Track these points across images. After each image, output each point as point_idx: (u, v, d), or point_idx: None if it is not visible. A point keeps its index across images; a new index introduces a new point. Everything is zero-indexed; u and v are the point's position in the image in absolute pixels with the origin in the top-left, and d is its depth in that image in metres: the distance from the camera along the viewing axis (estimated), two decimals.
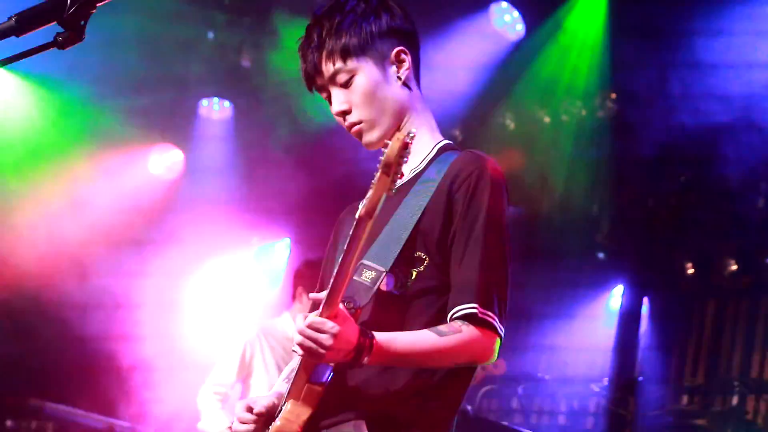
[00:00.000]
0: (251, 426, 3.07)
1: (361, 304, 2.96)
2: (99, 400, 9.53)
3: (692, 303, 10.11)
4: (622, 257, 9.99)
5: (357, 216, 2.85)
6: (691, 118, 8.67)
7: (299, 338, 2.85)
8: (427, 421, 3.03)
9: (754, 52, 8.07)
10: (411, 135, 2.83)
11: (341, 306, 2.88)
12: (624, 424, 9.57)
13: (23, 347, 9.31)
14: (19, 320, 9.26)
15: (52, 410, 8.88)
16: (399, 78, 3.24)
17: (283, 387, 3.23)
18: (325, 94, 3.28)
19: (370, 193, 2.84)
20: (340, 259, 2.88)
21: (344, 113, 3.23)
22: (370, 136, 3.24)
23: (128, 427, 8.88)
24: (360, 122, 3.23)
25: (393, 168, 2.82)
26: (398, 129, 3.23)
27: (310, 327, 2.84)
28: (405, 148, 2.82)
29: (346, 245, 2.86)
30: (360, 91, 3.20)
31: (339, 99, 3.22)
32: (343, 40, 3.18)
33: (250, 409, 3.09)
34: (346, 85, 3.21)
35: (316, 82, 3.26)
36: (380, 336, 2.91)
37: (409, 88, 3.27)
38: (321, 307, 2.88)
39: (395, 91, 3.24)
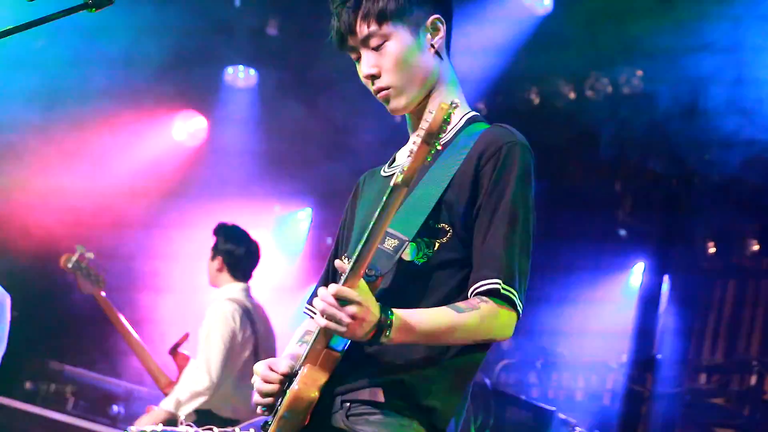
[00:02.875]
0: (276, 386, 3.07)
1: (382, 272, 2.95)
2: (119, 364, 9.57)
3: (713, 282, 10.08)
4: (643, 235, 9.97)
5: (393, 183, 2.83)
6: (714, 97, 8.64)
7: (322, 305, 2.85)
8: (440, 391, 3.04)
9: None
10: (454, 105, 2.82)
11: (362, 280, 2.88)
12: (641, 401, 9.57)
13: (43, 311, 9.34)
14: (39, 284, 9.28)
15: (71, 373, 8.92)
16: (432, 46, 3.24)
17: (297, 349, 3.25)
18: (354, 55, 3.27)
19: (408, 161, 2.82)
20: (369, 226, 2.86)
21: (373, 77, 3.22)
22: (397, 103, 3.23)
23: (146, 391, 8.92)
24: (388, 88, 3.22)
25: (435, 138, 2.81)
26: (427, 98, 3.24)
27: (335, 295, 2.84)
28: (448, 118, 2.81)
29: (377, 212, 2.85)
30: (392, 56, 3.19)
31: (369, 62, 3.22)
32: (380, 4, 3.17)
33: (272, 369, 3.09)
34: (378, 48, 3.20)
35: (347, 42, 3.25)
36: (399, 313, 2.90)
37: (441, 58, 3.26)
38: (345, 276, 2.87)
39: (427, 60, 3.23)
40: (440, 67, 3.26)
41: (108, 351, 9.59)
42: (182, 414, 6.68)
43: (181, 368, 7.21)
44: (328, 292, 2.84)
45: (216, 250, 7.37)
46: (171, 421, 6.58)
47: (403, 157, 2.88)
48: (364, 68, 3.23)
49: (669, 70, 8.79)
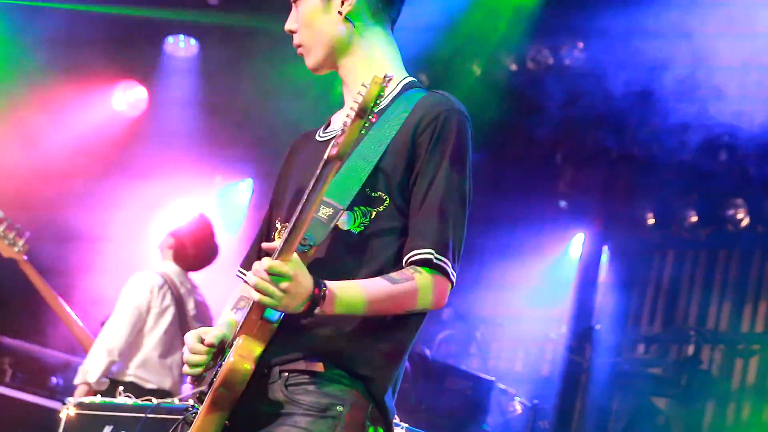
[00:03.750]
0: (203, 357, 3.07)
1: (317, 242, 2.95)
2: (57, 335, 9.50)
3: (651, 253, 10.16)
4: (583, 206, 10.02)
5: (327, 156, 2.83)
6: (654, 69, 8.69)
7: (254, 280, 2.84)
8: (377, 360, 3.04)
9: None
10: (388, 78, 2.82)
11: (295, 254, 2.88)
12: (580, 371, 9.64)
13: None
14: None
15: (9, 345, 8.84)
16: (340, 13, 3.24)
17: (231, 316, 3.24)
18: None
19: (343, 136, 2.82)
20: (304, 197, 2.86)
21: (291, 32, 3.32)
22: (308, 61, 3.31)
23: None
24: (300, 45, 3.31)
25: (369, 112, 2.81)
26: (348, 58, 3.26)
27: (267, 270, 2.83)
28: (381, 92, 2.81)
29: (311, 183, 2.85)
30: (302, 15, 3.27)
31: (291, 17, 3.31)
32: None
33: (201, 340, 3.08)
34: (296, 5, 3.30)
35: None
36: (333, 285, 2.91)
37: (353, 24, 3.26)
38: (278, 250, 2.87)
39: (331, 24, 3.25)
40: (350, 33, 3.25)
41: (44, 322, 9.51)
42: (92, 380, 6.65)
43: None
44: (260, 267, 2.84)
45: (176, 235, 7.35)
46: (109, 391, 6.55)
47: (339, 123, 2.85)
48: (287, 23, 3.33)
49: (610, 43, 8.82)
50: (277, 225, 3.25)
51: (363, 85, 2.82)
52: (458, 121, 3.09)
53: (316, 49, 3.26)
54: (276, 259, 2.85)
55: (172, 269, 7.23)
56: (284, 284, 2.82)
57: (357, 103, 2.81)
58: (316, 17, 3.24)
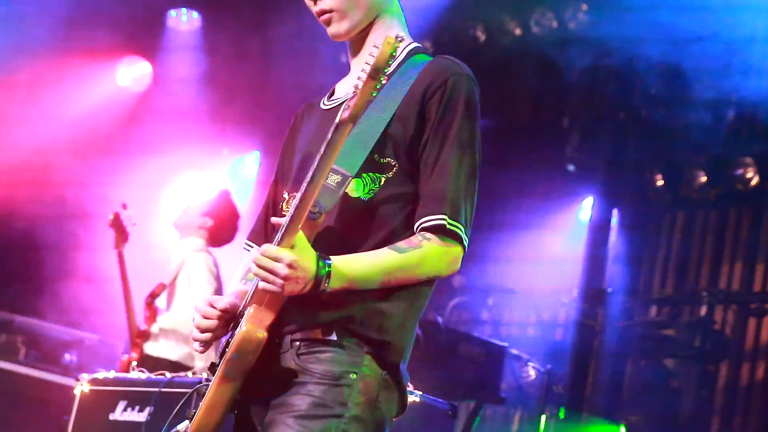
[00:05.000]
0: (214, 322, 3.06)
1: (325, 209, 2.92)
2: (70, 312, 9.52)
3: (661, 215, 10.13)
4: (592, 169, 9.99)
5: (339, 119, 2.80)
6: (659, 30, 8.65)
7: (255, 268, 2.84)
8: (390, 327, 3.02)
9: None
10: (399, 39, 2.78)
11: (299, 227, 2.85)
12: (593, 335, 9.64)
13: None
14: None
15: (22, 323, 8.87)
16: None
17: (240, 287, 3.23)
18: None
19: (354, 96, 2.78)
20: (315, 164, 2.83)
21: None
22: (338, 27, 3.19)
23: (97, 339, 8.89)
24: (331, 11, 3.17)
25: (381, 72, 2.77)
26: (369, 26, 3.20)
27: (267, 256, 2.83)
28: (394, 52, 2.77)
29: (322, 149, 2.82)
30: None
31: None
32: None
33: (212, 306, 3.07)
34: None
35: None
36: (338, 261, 2.89)
37: None
38: (284, 226, 2.85)
39: None
40: None
41: (58, 300, 9.53)
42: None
43: (150, 319, 7.18)
44: (260, 253, 2.83)
45: (214, 215, 7.35)
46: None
47: (344, 90, 2.81)
48: None
49: (615, 6, 8.79)
50: (284, 196, 3.21)
51: (375, 46, 2.78)
52: (467, 86, 3.06)
53: (353, 14, 3.16)
54: (281, 236, 2.84)
55: (206, 248, 7.28)
56: (284, 271, 2.80)
57: (369, 64, 2.77)
58: None
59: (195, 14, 10.27)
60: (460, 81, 3.06)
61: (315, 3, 3.18)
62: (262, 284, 2.86)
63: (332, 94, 3.32)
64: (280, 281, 2.81)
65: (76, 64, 9.76)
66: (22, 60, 9.18)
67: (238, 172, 11.12)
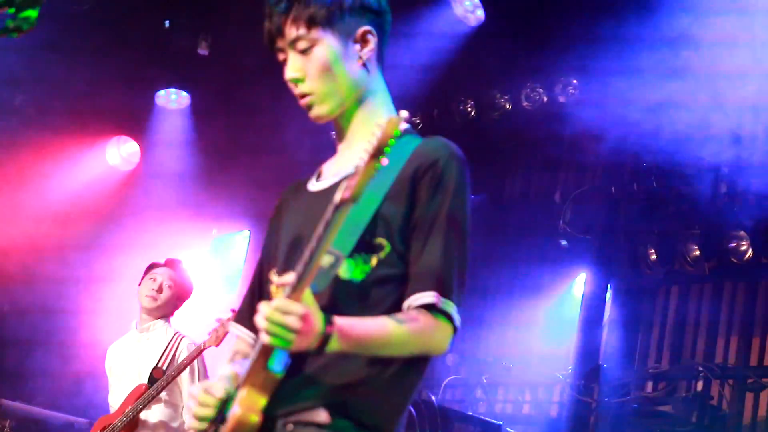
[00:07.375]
0: (212, 410, 2.98)
1: (318, 290, 2.87)
2: (57, 397, 9.46)
3: (656, 289, 10.08)
4: (585, 244, 9.96)
5: (341, 198, 2.76)
6: (650, 106, 8.67)
7: (264, 323, 2.75)
8: (383, 409, 3.00)
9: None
10: (403, 118, 2.76)
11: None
12: (588, 411, 9.55)
13: None
14: None
15: (10, 407, 8.81)
16: (360, 58, 3.17)
17: (229, 370, 3.16)
18: (282, 56, 3.20)
19: (356, 177, 2.74)
20: (313, 244, 2.78)
21: (297, 80, 3.16)
22: (318, 110, 3.18)
23: (87, 423, 8.81)
24: (311, 94, 3.16)
25: (382, 152, 2.74)
26: (355, 105, 3.19)
27: (277, 309, 2.74)
28: (398, 133, 2.73)
29: (321, 228, 2.77)
30: (317, 62, 3.13)
31: (295, 65, 3.15)
32: (311, 9, 3.11)
33: (209, 393, 3.00)
34: (305, 52, 3.14)
35: (276, 43, 3.19)
36: (341, 321, 2.85)
37: (368, 70, 3.20)
38: (288, 290, 2.78)
39: (353, 70, 3.16)
40: (367, 79, 3.21)
41: (45, 383, 9.48)
42: None
43: (133, 396, 7.08)
44: (270, 307, 2.75)
45: (175, 282, 7.32)
46: None
47: (333, 170, 2.78)
48: (288, 71, 3.17)
49: (605, 81, 8.81)
50: (272, 278, 3.15)
51: (377, 124, 2.75)
52: (457, 167, 3.08)
53: (332, 98, 3.16)
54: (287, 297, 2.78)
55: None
56: (297, 324, 2.74)
57: (372, 144, 2.74)
58: (336, 64, 3.13)
59: (184, 93, 10.29)
60: (450, 162, 3.07)
61: (296, 86, 3.18)
62: (269, 339, 2.76)
63: (320, 175, 3.30)
64: (292, 336, 2.73)
65: (67, 143, 9.80)
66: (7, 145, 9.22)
67: (228, 251, 11.08)
